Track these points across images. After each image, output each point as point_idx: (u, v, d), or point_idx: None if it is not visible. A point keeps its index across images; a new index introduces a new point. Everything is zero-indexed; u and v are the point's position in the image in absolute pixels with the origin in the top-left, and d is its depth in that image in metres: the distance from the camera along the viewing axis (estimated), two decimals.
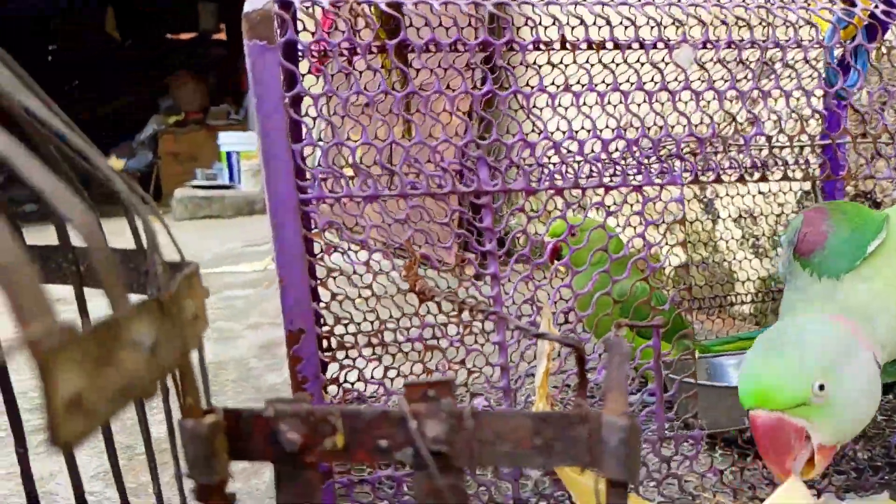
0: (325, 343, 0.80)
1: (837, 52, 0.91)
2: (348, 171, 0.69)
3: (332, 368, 0.66)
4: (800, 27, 0.69)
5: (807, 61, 0.68)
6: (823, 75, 0.77)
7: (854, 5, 0.77)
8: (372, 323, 0.97)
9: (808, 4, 0.69)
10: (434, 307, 0.81)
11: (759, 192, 1.26)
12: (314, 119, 0.94)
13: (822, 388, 0.58)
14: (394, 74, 1.09)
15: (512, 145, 0.62)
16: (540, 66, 0.89)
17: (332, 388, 0.68)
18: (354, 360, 0.94)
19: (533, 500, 0.65)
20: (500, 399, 0.64)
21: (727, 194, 1.24)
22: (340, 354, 0.70)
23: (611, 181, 0.66)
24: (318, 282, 0.62)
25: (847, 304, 0.68)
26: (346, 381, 0.88)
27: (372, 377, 0.67)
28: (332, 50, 0.59)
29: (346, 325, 0.95)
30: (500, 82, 0.81)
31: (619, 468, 0.34)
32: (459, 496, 0.36)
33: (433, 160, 0.61)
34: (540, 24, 0.79)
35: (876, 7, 0.73)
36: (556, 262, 0.69)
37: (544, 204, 0.65)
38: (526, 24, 0.63)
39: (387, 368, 0.78)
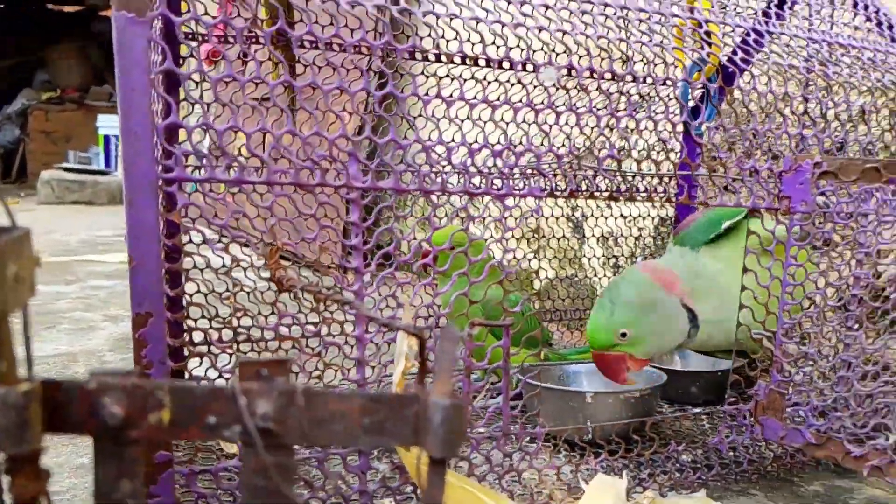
0: (176, 330, 0.78)
1: (697, 91, 1.00)
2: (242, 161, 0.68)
3: (184, 355, 0.64)
4: (655, 64, 0.76)
5: (660, 97, 0.75)
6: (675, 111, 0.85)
7: (710, 45, 0.85)
8: (238, 320, 0.95)
9: (663, 42, 0.76)
10: (301, 304, 0.81)
11: (622, 216, 1.36)
12: (193, 103, 0.91)
13: (624, 335, 0.82)
14: (281, 68, 1.08)
15: (384, 145, 0.63)
16: (427, 78, 0.92)
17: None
18: (211, 352, 0.91)
19: (380, 494, 0.67)
20: None
21: (592, 215, 1.32)
22: (192, 343, 0.68)
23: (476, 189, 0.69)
24: (173, 264, 0.60)
25: (699, 272, 0.87)
26: (205, 374, 0.86)
27: (226, 366, 0.66)
28: (208, 31, 0.58)
29: (211, 320, 0.92)
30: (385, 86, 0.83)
31: (441, 446, 0.36)
32: (287, 474, 0.37)
33: (305, 152, 0.62)
34: (416, 33, 0.82)
35: (732, 52, 0.82)
36: (425, 265, 0.71)
37: (411, 205, 0.68)
38: (402, 32, 0.65)
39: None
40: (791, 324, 0.77)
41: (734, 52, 0.87)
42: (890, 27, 0.94)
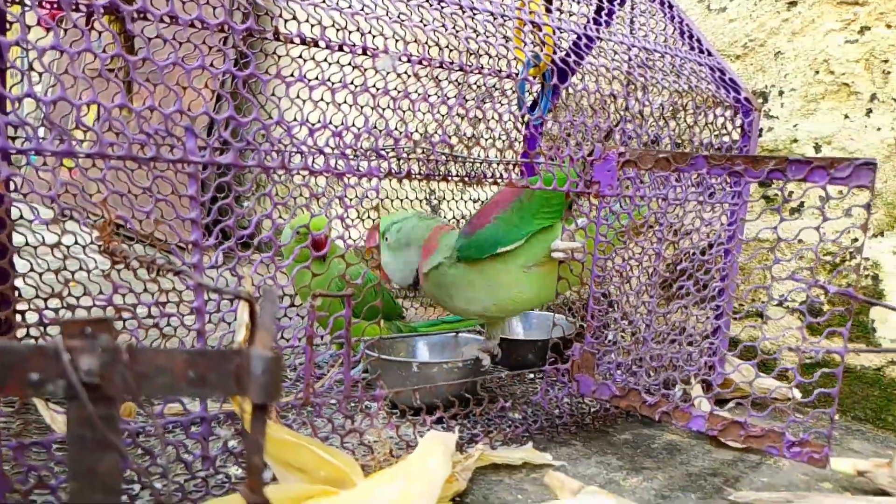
0: (3, 304, 0.76)
1: (535, 87, 1.10)
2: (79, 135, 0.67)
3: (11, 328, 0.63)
4: (498, 59, 0.84)
5: (494, 91, 0.83)
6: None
7: (543, 45, 0.94)
8: (75, 297, 0.92)
9: (495, 39, 0.83)
10: (136, 276, 0.81)
11: (472, 200, 1.45)
12: (21, 73, 0.87)
13: (385, 237, 0.94)
14: (124, 39, 1.05)
15: (222, 121, 0.65)
16: (278, 58, 0.93)
17: None
18: (42, 324, 0.87)
19: (223, 459, 0.69)
20: None
21: (446, 199, 1.40)
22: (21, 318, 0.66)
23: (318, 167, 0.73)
24: None
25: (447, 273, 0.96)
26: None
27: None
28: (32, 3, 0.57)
29: (46, 299, 0.89)
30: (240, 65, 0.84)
31: (261, 393, 0.40)
32: (112, 424, 0.39)
33: (138, 125, 0.62)
34: (268, 14, 0.84)
35: (564, 53, 0.92)
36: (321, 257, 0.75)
37: (252, 182, 0.70)
38: (238, 9, 0.67)
39: None
40: (599, 293, 0.89)
41: (566, 54, 0.97)
42: (691, 37, 1.09)
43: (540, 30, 0.94)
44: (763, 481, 0.86)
